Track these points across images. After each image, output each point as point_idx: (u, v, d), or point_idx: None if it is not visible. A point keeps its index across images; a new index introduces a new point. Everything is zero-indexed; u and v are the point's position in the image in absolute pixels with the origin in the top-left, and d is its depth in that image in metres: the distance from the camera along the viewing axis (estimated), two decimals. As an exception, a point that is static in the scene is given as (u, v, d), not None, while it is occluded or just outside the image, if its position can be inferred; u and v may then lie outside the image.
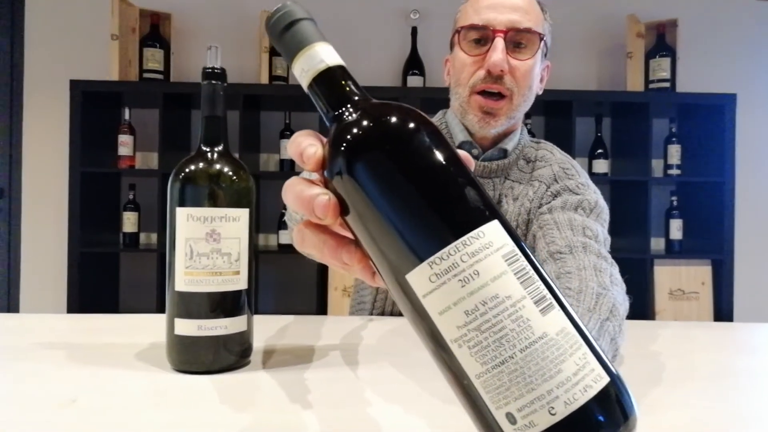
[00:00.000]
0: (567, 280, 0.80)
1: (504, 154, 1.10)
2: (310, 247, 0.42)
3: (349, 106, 0.40)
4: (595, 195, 1.06)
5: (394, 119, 0.37)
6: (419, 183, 0.35)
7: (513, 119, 1.07)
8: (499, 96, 1.03)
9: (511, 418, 0.31)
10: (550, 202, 1.06)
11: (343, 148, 0.37)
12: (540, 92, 1.11)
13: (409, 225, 0.34)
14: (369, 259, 0.38)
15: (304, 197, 0.39)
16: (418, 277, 0.33)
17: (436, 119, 1.20)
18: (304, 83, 0.41)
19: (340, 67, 0.41)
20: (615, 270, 0.87)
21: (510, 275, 0.32)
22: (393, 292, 0.36)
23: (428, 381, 0.70)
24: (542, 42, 1.05)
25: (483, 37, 1.02)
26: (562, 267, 0.84)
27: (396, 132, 0.37)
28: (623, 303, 0.77)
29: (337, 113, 0.40)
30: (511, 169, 1.11)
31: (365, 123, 0.37)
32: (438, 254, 0.33)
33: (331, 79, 0.41)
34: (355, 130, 0.37)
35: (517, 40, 1.02)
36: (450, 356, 0.33)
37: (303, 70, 0.41)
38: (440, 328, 0.33)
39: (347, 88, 0.41)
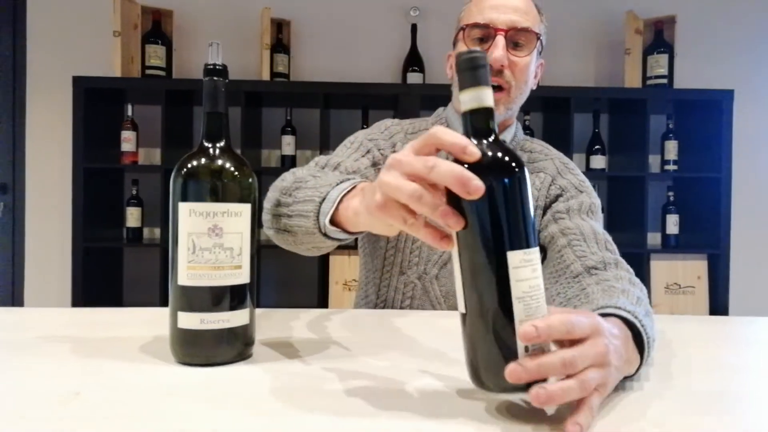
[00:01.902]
0: (615, 284, 0.89)
1: None
2: (427, 205, 0.53)
3: (491, 137, 0.55)
4: (594, 193, 1.19)
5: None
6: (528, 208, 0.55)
7: (511, 110, 1.16)
8: (499, 89, 1.12)
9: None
10: (560, 196, 1.17)
11: (506, 162, 0.54)
12: (534, 87, 1.19)
13: (524, 226, 0.54)
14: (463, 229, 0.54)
15: (461, 175, 0.51)
16: (515, 256, 0.53)
17: (435, 116, 1.28)
18: (466, 107, 0.56)
19: (493, 110, 0.56)
20: (642, 284, 0.94)
21: (541, 278, 0.55)
22: (476, 255, 0.54)
23: (431, 372, 0.71)
24: (539, 41, 1.14)
25: (485, 35, 1.12)
26: (600, 276, 0.97)
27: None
28: (651, 310, 0.82)
29: (482, 139, 0.55)
30: None
31: (515, 154, 0.55)
32: (530, 249, 0.54)
33: (487, 115, 0.56)
34: (515, 154, 0.55)
35: (516, 38, 1.11)
36: (507, 303, 0.53)
37: (472, 99, 0.56)
38: (513, 288, 0.53)
39: (493, 124, 0.56)
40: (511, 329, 0.53)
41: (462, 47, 1.14)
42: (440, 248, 0.56)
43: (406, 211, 0.56)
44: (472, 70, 0.55)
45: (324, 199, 0.78)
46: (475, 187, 0.51)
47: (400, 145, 1.22)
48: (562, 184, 1.18)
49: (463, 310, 0.56)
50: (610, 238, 1.08)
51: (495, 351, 0.54)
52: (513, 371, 0.52)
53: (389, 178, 0.56)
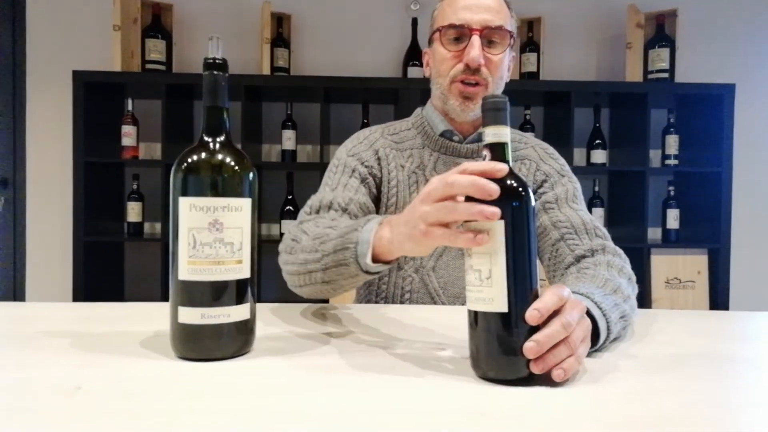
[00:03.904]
0: (586, 271, 1.02)
1: (481, 137, 1.23)
2: (462, 211, 0.65)
3: (509, 166, 0.67)
4: (574, 176, 1.28)
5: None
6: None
7: None
8: (476, 85, 1.17)
9: None
10: (545, 182, 1.24)
11: (524, 188, 0.66)
12: (508, 80, 1.25)
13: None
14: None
15: (482, 183, 0.64)
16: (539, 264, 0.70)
17: (414, 117, 1.33)
18: (488, 141, 0.68)
19: (509, 144, 0.68)
20: (625, 263, 1.06)
21: None
22: (527, 262, 0.65)
23: (430, 368, 0.72)
24: (511, 38, 1.19)
25: (461, 35, 1.17)
26: (582, 264, 1.08)
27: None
28: (627, 287, 0.94)
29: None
30: None
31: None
32: None
33: (504, 149, 0.68)
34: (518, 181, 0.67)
35: (491, 37, 1.17)
36: (532, 280, 0.65)
37: (493, 134, 0.68)
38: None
39: (508, 155, 0.68)
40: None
41: (438, 47, 1.20)
42: (478, 245, 0.65)
43: (446, 230, 0.69)
44: (494, 111, 0.67)
45: (357, 244, 0.84)
46: (493, 188, 0.64)
47: (383, 151, 1.26)
48: (545, 170, 1.26)
49: (506, 310, 0.64)
50: (597, 223, 1.17)
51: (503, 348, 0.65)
52: (530, 348, 0.62)
53: (425, 209, 0.70)
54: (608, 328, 0.79)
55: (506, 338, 0.64)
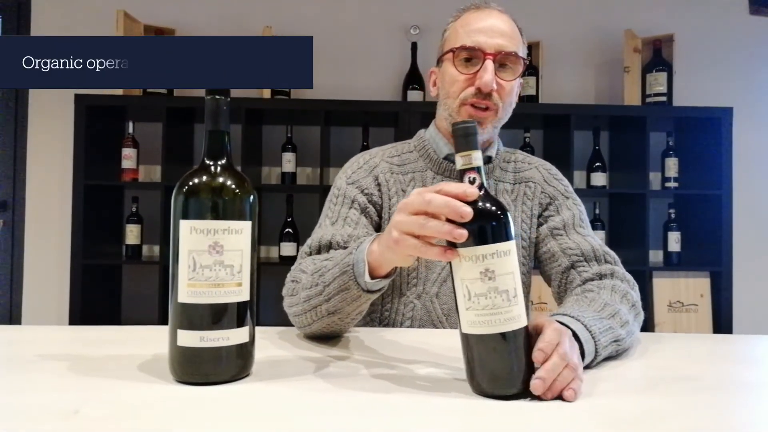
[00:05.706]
0: (589, 294, 1.02)
1: (489, 159, 1.26)
2: (432, 228, 0.69)
3: (483, 190, 0.70)
4: (578, 199, 1.29)
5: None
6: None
7: (496, 128, 1.24)
8: (486, 109, 1.17)
9: None
10: (550, 205, 1.25)
11: (499, 210, 0.69)
12: (513, 105, 1.24)
13: None
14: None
15: (455, 205, 0.67)
16: None
17: (416, 139, 1.32)
18: (463, 166, 0.70)
19: (482, 168, 0.71)
20: (631, 290, 1.05)
21: None
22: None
23: (429, 391, 0.71)
24: (524, 65, 1.19)
25: (474, 57, 1.16)
26: (586, 287, 1.08)
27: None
28: (627, 313, 0.94)
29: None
30: (494, 170, 1.27)
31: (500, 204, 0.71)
32: None
33: (479, 171, 0.70)
34: (499, 203, 0.70)
35: (504, 62, 1.16)
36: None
37: (470, 158, 0.70)
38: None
39: (483, 180, 0.70)
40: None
41: (449, 68, 1.19)
42: (445, 260, 0.69)
43: (417, 240, 0.71)
44: (465, 137, 0.70)
45: (353, 266, 0.85)
46: (466, 212, 0.66)
47: (383, 176, 1.24)
48: (549, 191, 1.27)
49: (525, 323, 0.68)
50: (606, 248, 1.18)
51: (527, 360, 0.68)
52: (537, 385, 0.65)
53: (399, 218, 0.73)
54: (596, 351, 0.81)
55: (527, 350, 0.68)
